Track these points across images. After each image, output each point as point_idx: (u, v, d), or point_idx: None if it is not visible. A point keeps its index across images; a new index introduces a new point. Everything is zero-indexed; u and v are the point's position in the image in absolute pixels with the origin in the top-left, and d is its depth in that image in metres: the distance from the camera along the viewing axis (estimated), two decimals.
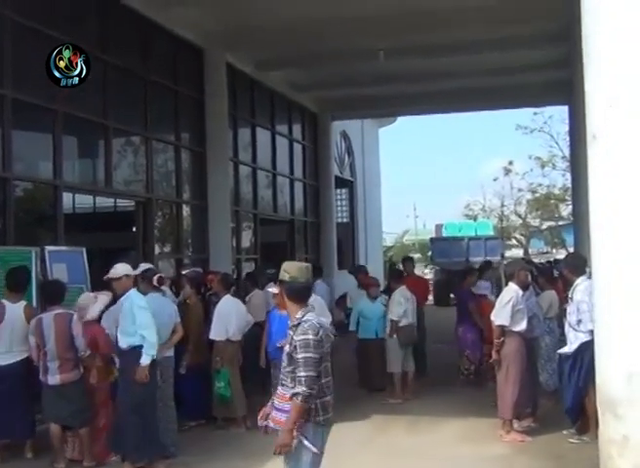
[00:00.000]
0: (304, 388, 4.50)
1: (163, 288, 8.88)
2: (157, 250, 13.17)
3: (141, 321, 7.05)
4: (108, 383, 7.67)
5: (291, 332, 4.69)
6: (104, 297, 8.01)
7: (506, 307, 8.27)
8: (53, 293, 7.67)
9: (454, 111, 23.65)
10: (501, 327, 8.30)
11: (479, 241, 29.03)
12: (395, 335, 10.59)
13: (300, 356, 4.53)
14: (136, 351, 7.01)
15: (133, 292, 7.24)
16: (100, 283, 7.36)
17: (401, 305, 10.62)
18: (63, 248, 9.52)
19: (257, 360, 9.36)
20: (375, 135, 28.26)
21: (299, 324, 4.64)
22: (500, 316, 8.31)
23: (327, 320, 8.64)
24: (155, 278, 7.98)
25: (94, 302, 7.75)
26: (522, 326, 8.31)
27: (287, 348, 4.69)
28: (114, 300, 7.69)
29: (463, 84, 18.46)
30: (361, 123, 25.55)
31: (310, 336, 4.57)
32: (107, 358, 7.62)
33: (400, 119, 28.07)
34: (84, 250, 9.48)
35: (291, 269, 4.82)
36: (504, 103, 21.42)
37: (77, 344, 7.46)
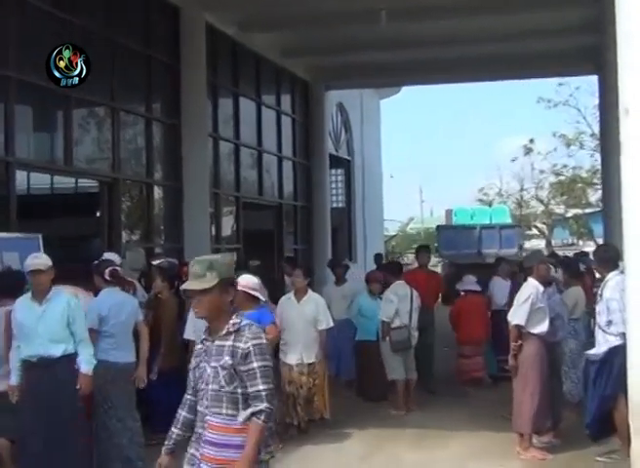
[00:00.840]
0: (267, 404, 4.18)
1: (133, 282, 8.88)
2: (125, 237, 13.15)
3: (81, 323, 7.07)
4: None
5: (226, 343, 4.28)
6: (88, 299, 8.00)
7: (524, 306, 8.29)
8: (7, 286, 7.63)
9: (466, 81, 23.63)
10: (518, 328, 8.32)
11: (493, 230, 28.55)
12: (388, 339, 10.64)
13: (256, 365, 4.19)
14: (71, 359, 7.00)
15: (62, 289, 7.22)
16: (57, 275, 7.29)
17: (392, 304, 10.62)
18: (16, 234, 9.48)
19: None
20: (376, 107, 28.23)
21: (237, 329, 4.27)
22: (516, 315, 8.34)
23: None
24: (107, 271, 7.95)
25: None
26: (542, 327, 8.33)
27: (222, 361, 4.27)
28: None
29: (478, 50, 18.40)
30: (360, 94, 25.51)
31: (264, 341, 4.31)
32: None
33: (405, 89, 28.07)
34: (40, 237, 9.43)
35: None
36: (525, 73, 21.36)
37: None
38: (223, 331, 4.30)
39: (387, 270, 11.77)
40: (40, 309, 6.95)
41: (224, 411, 4.25)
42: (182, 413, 4.55)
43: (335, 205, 24.57)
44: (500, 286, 12.50)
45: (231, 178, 17.20)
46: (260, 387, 4.19)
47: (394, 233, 54.33)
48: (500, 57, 18.91)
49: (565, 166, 41.48)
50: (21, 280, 7.64)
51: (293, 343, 9.31)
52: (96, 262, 8.47)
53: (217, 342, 4.31)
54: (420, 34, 17.20)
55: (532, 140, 44.02)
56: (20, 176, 12.53)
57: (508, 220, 32.13)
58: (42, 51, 8.90)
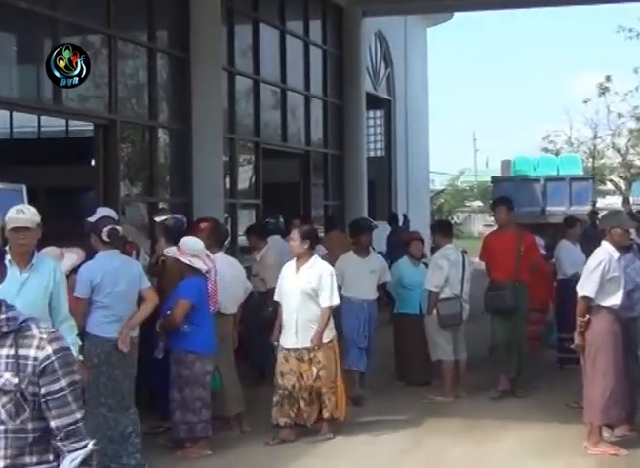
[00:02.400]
0: (92, 441, 3.27)
1: (136, 243, 8.92)
2: (123, 190, 13.18)
3: (65, 299, 6.89)
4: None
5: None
6: (73, 256, 8.04)
7: (594, 275, 8.21)
8: None
9: (530, 6, 23.34)
10: (586, 300, 8.26)
11: (561, 183, 27.69)
12: (435, 312, 10.64)
13: (65, 383, 3.20)
14: None
15: (46, 254, 7.15)
16: (43, 233, 7.31)
17: (442, 271, 10.62)
18: None
19: (258, 336, 9.39)
20: (422, 37, 28.00)
21: (17, 329, 3.24)
22: (584, 286, 8.27)
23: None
24: (105, 231, 7.92)
25: (59, 260, 7.79)
26: (615, 300, 8.26)
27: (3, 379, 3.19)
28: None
29: None
30: (403, 21, 25.31)
31: (65, 343, 3.36)
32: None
33: (456, 16, 27.77)
34: (24, 188, 9.47)
35: None
36: None
37: None
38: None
39: (438, 230, 11.73)
40: (21, 278, 6.58)
41: (29, 461, 3.22)
42: None
43: (372, 154, 24.49)
44: (568, 251, 12.40)
45: (250, 121, 17.15)
46: (78, 416, 3.23)
47: (442, 188, 54.21)
48: None
49: None
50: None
51: (287, 322, 8.88)
52: (91, 220, 8.47)
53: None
54: None
55: (608, 78, 43.69)
56: (1, 117, 12.60)
57: (580, 172, 30.95)
58: None
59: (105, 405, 7.68)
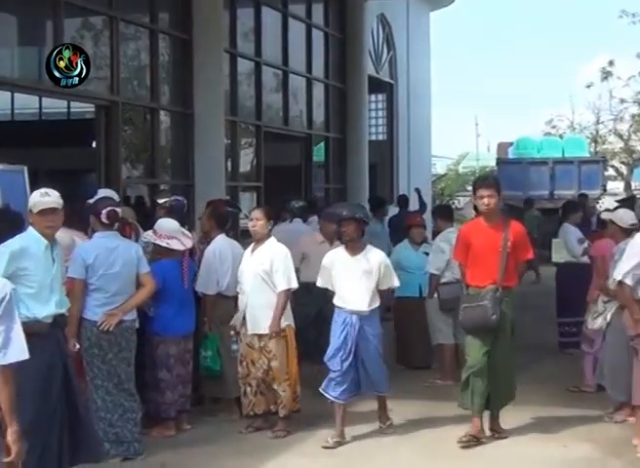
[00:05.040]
0: None
1: (135, 223, 8.90)
2: (125, 172, 13.18)
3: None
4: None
5: None
6: (79, 241, 8.05)
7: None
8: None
9: None
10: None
11: (570, 165, 26.72)
12: (436, 296, 10.63)
13: None
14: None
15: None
16: None
17: (443, 254, 10.61)
18: None
19: None
20: (425, 20, 27.90)
21: None
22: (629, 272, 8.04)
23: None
24: (104, 212, 7.89)
25: (71, 245, 7.84)
26: None
27: None
28: None
29: None
30: (406, 4, 25.22)
31: None
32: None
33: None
34: (25, 169, 9.48)
35: None
36: None
37: None
38: None
39: (438, 214, 11.73)
40: (51, 258, 6.62)
41: None
42: None
43: (374, 137, 24.45)
44: (573, 234, 12.29)
45: (251, 104, 17.14)
46: None
47: (444, 172, 54.10)
48: None
49: None
50: (16, 220, 7.65)
51: (240, 307, 8.60)
52: (91, 201, 8.47)
53: None
54: None
55: (611, 62, 43.47)
56: (2, 98, 12.58)
57: (586, 154, 29.85)
58: None
59: (102, 388, 7.65)
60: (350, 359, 8.26)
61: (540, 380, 10.44)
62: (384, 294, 8.66)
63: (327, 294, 8.67)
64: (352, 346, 8.25)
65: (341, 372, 8.24)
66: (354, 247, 8.43)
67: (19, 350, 4.54)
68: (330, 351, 8.32)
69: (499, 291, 8.12)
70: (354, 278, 8.33)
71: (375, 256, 8.48)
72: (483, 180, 8.87)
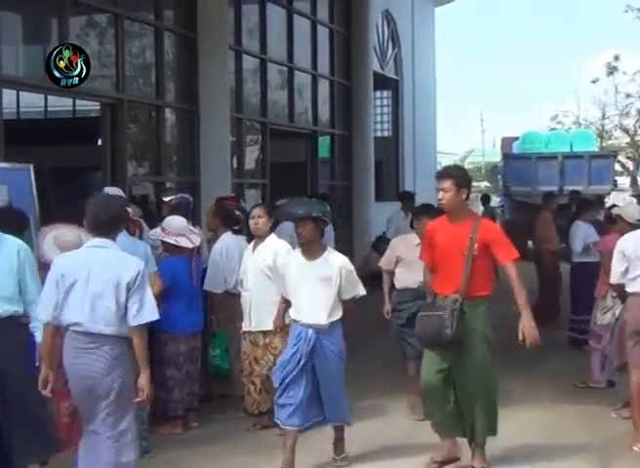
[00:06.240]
0: None
1: (139, 221, 8.89)
2: (131, 170, 13.18)
3: (33, 280, 6.76)
4: None
5: None
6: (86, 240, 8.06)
7: None
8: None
9: None
10: None
11: (581, 160, 25.73)
12: None
13: None
14: (22, 323, 6.76)
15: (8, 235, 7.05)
16: (51, 213, 7.32)
17: None
18: (3, 164, 9.51)
19: None
20: (430, 16, 27.91)
21: None
22: None
23: None
24: None
25: (79, 245, 7.83)
26: None
27: None
28: None
29: None
30: (411, 0, 25.22)
31: None
32: None
33: None
34: (31, 168, 9.47)
35: None
36: None
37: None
38: None
39: (439, 211, 11.63)
40: None
41: None
42: None
43: (379, 134, 24.44)
44: (584, 232, 12.21)
45: (257, 101, 17.13)
46: None
47: None
48: None
49: None
50: (20, 219, 7.66)
51: (243, 304, 8.52)
52: None
53: None
54: None
55: (617, 57, 43.40)
56: (8, 97, 12.56)
57: (594, 148, 29.17)
58: None
59: None
60: (302, 381, 7.19)
61: (548, 377, 10.45)
62: (349, 306, 7.45)
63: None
64: (303, 364, 7.18)
65: (286, 394, 7.23)
66: (311, 250, 7.37)
67: (150, 312, 6.04)
68: (276, 366, 7.50)
69: (458, 301, 7.03)
70: (310, 286, 7.26)
71: (335, 261, 7.37)
72: (440, 171, 7.79)
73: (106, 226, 6.22)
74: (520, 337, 6.96)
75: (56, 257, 6.52)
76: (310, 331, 7.20)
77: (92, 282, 5.98)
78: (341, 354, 7.38)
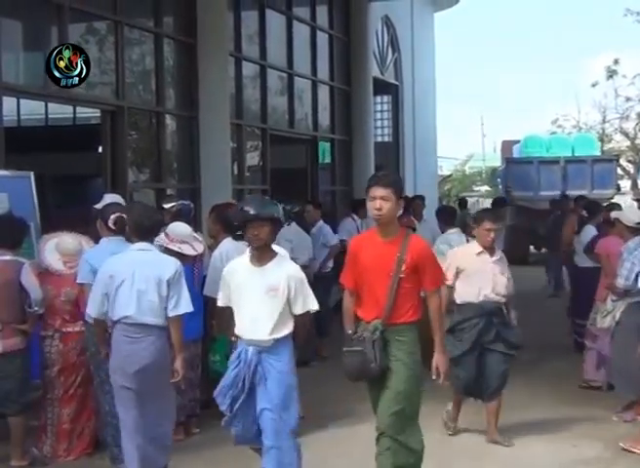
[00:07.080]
0: None
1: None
2: (131, 177, 13.17)
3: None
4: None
5: None
6: (87, 247, 8.09)
7: None
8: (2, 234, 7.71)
9: None
10: None
11: (583, 164, 25.55)
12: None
13: None
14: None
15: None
16: (51, 220, 7.35)
17: (443, 256, 10.47)
18: (4, 172, 9.54)
19: None
20: (429, 22, 27.90)
21: None
22: None
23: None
24: (112, 218, 7.88)
25: (80, 251, 7.87)
26: None
27: None
28: None
29: None
30: (410, 5, 25.23)
31: None
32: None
33: (463, 0, 27.73)
34: (32, 175, 9.50)
35: None
36: None
37: (34, 297, 7.60)
38: None
39: (440, 216, 11.71)
40: None
41: None
42: None
43: (380, 139, 24.42)
44: (587, 234, 12.18)
45: (257, 107, 17.13)
46: None
47: (450, 173, 54.08)
48: None
49: None
50: (20, 228, 7.74)
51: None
52: (98, 206, 8.47)
53: None
54: None
55: (616, 61, 43.37)
56: (8, 104, 12.58)
57: (596, 152, 28.94)
58: None
59: (110, 393, 7.65)
60: (252, 404, 6.49)
61: (549, 379, 10.48)
62: (301, 321, 6.57)
63: None
64: (249, 388, 6.46)
65: (237, 419, 6.58)
66: (262, 255, 6.49)
67: (186, 305, 6.93)
68: (219, 388, 6.67)
69: (378, 329, 6.28)
70: (255, 296, 6.44)
71: (285, 269, 6.50)
72: (378, 177, 6.48)
73: (149, 231, 7.10)
74: (434, 374, 6.52)
75: (104, 262, 7.05)
76: (251, 349, 6.43)
77: (137, 280, 6.81)
78: (291, 373, 6.54)
